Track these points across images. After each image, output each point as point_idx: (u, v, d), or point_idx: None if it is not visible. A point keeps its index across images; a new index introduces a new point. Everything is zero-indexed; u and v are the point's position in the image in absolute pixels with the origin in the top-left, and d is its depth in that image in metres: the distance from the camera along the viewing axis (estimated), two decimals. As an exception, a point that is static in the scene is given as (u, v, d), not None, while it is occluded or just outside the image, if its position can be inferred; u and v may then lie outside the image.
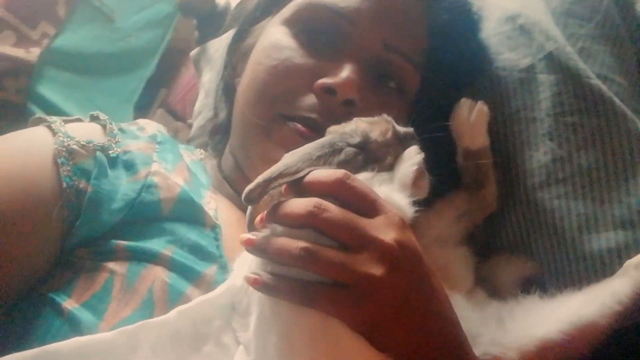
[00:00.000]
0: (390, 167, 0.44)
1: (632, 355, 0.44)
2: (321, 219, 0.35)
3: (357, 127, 0.45)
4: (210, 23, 0.95)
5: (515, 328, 0.44)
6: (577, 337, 0.41)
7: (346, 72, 0.51)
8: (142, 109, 1.50)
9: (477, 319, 0.45)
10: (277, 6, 0.59)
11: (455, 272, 0.50)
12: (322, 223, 0.36)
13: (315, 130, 0.49)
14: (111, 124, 0.51)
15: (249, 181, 0.48)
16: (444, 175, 0.48)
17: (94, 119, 0.52)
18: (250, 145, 0.54)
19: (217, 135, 0.64)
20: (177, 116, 1.71)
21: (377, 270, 0.35)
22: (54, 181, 0.44)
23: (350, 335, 0.36)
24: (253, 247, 0.37)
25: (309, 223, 0.36)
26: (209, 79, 0.83)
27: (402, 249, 0.36)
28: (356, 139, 0.43)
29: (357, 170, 0.41)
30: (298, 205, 0.36)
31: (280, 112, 0.52)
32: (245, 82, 0.56)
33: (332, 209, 0.36)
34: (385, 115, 0.47)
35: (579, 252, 0.50)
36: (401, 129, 0.46)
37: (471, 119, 0.54)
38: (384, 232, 0.36)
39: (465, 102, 0.54)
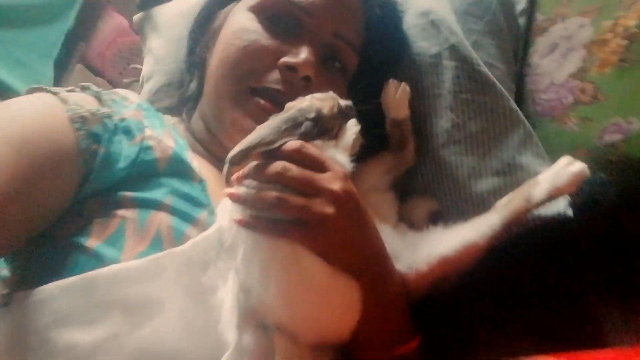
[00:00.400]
0: (336, 136, 0.53)
1: (497, 265, 0.56)
2: (287, 176, 0.45)
3: (312, 104, 0.51)
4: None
5: (424, 249, 0.54)
6: (464, 253, 0.52)
7: (304, 54, 0.58)
8: (61, 64, 1.41)
9: (399, 244, 0.55)
10: None
11: (384, 211, 0.59)
12: (287, 179, 0.45)
13: (277, 103, 0.56)
14: (104, 95, 0.54)
15: (221, 143, 0.57)
16: (376, 138, 0.60)
17: (85, 89, 0.55)
18: (222, 114, 0.60)
19: (188, 103, 0.69)
20: (96, 71, 1.61)
21: (329, 210, 0.45)
22: (74, 142, 0.48)
23: (312, 259, 0.46)
24: (238, 198, 0.47)
25: (278, 180, 0.46)
26: (159, 45, 0.84)
27: (345, 195, 0.46)
28: (312, 114, 0.50)
29: (313, 139, 0.50)
30: (271, 167, 0.46)
31: (250, 85, 0.58)
32: (217, 60, 0.61)
33: (294, 169, 0.45)
34: (331, 92, 0.55)
35: (468, 194, 0.61)
36: (343, 102, 0.55)
37: (397, 95, 0.62)
38: (332, 183, 0.46)
39: (392, 82, 0.63)
